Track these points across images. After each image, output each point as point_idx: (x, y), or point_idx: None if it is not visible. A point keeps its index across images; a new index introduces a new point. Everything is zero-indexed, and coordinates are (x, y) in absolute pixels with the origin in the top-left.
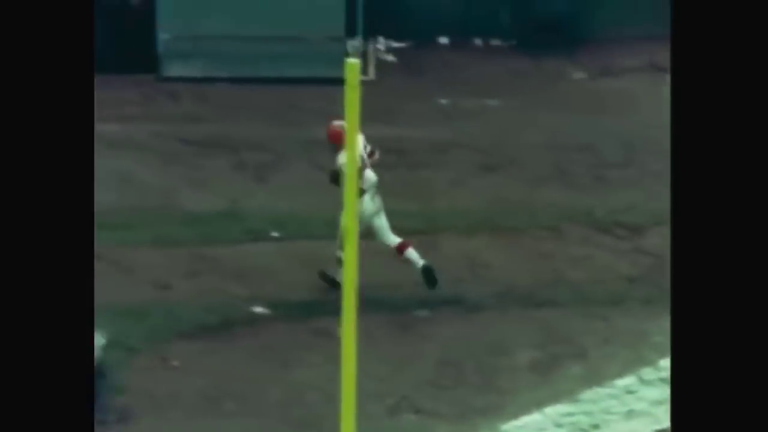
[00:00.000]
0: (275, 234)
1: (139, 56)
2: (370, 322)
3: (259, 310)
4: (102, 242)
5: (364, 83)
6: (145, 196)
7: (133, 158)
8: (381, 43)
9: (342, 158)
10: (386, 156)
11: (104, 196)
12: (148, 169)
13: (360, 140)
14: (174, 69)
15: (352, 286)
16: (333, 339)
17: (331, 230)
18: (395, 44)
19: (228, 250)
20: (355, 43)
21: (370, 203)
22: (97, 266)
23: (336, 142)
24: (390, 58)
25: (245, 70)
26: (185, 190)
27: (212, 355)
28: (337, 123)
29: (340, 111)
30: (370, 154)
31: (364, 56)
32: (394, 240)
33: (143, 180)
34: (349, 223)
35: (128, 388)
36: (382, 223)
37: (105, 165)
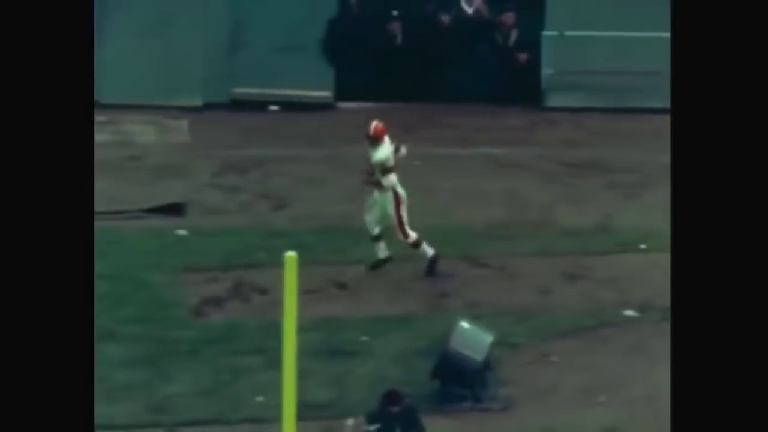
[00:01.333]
0: (643, 246)
1: (525, 89)
2: None
3: (628, 313)
4: (490, 251)
5: None
6: (528, 211)
7: (519, 178)
8: None
9: (378, 154)
10: None
11: (493, 211)
12: (531, 187)
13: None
14: (555, 100)
15: None
16: None
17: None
18: None
19: (601, 260)
20: None
21: (387, 200)
22: (485, 272)
23: (380, 137)
24: None
25: (617, 101)
26: (563, 207)
27: (587, 352)
28: (377, 121)
29: None
30: (396, 149)
31: None
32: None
33: (527, 197)
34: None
35: (512, 381)
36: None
37: (494, 183)
